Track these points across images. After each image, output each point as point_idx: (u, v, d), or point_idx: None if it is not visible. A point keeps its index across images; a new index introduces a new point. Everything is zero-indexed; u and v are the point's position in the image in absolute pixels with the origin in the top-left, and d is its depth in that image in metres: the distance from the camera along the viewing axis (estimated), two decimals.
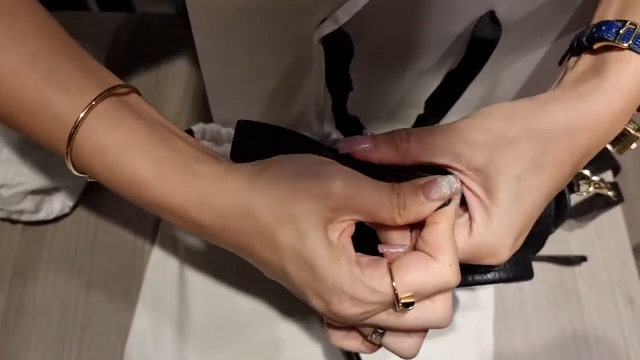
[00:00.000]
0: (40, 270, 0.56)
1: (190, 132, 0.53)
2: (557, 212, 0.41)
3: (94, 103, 0.33)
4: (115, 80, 0.35)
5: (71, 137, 0.33)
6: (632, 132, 0.34)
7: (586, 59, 0.34)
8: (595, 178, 0.50)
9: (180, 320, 0.53)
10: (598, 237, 0.60)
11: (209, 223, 0.33)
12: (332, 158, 0.33)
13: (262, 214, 0.31)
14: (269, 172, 0.32)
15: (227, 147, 0.53)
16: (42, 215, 0.56)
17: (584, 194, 0.50)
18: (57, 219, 0.58)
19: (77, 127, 0.32)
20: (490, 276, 0.41)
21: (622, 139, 0.35)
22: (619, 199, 0.54)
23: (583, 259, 0.59)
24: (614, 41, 0.32)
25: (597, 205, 0.57)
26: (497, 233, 0.32)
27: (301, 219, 0.30)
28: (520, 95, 0.50)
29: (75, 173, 0.35)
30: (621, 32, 0.32)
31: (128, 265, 0.57)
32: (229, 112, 0.52)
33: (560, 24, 0.42)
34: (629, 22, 0.32)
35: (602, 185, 0.51)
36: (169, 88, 0.66)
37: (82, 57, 0.35)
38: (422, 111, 0.50)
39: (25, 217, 0.56)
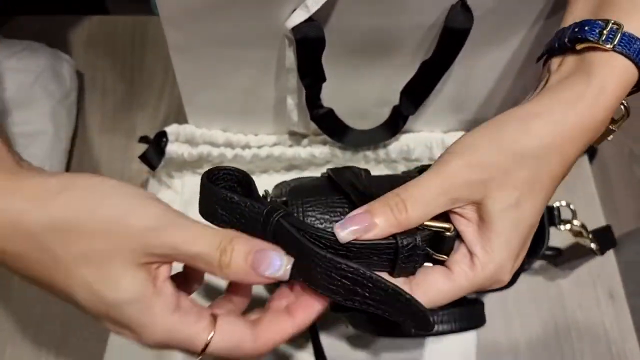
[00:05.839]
0: (14, 281, 0.55)
1: (163, 134, 0.52)
2: (533, 247, 0.40)
3: None
4: None
5: None
6: (609, 126, 0.34)
7: (570, 61, 0.33)
8: (576, 223, 0.51)
9: None
10: None
11: None
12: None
13: (55, 247, 0.27)
14: (70, 194, 0.27)
15: (202, 148, 0.52)
16: None
17: (561, 228, 0.50)
18: None
19: None
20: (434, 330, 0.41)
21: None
22: (606, 248, 0.53)
23: (559, 251, 0.58)
24: (597, 42, 0.31)
25: (583, 252, 0.55)
26: (499, 262, 0.31)
27: (103, 261, 0.27)
28: (497, 87, 0.51)
29: None
30: (604, 32, 0.31)
31: None
32: (203, 111, 0.51)
33: (532, 12, 0.42)
34: (612, 22, 0.31)
35: (584, 233, 0.51)
36: (144, 90, 0.65)
37: None
38: (396, 103, 0.50)
39: None
